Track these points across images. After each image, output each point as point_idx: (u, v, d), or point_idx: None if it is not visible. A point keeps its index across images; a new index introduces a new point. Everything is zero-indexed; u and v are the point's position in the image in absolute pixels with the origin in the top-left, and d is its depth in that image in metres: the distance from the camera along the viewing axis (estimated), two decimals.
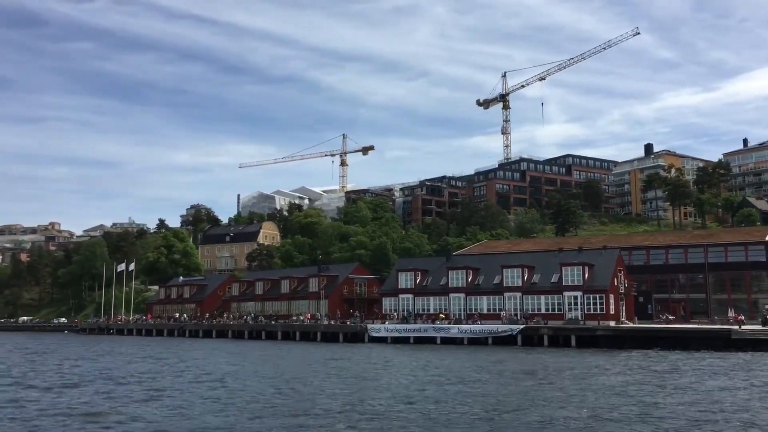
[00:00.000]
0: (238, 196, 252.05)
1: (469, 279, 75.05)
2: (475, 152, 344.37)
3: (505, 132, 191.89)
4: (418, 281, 78.50)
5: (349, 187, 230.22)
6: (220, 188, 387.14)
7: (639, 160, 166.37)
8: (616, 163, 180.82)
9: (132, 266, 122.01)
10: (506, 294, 72.13)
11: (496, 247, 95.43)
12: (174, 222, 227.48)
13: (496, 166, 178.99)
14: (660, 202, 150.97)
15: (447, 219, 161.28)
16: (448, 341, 68.43)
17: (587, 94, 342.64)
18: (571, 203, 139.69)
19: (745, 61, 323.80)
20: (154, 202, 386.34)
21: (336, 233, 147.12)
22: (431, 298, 77.13)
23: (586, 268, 68.88)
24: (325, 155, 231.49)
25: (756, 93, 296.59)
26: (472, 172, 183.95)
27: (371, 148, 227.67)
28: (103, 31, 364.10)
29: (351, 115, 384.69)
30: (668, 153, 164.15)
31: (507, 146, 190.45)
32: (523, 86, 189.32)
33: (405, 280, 78.88)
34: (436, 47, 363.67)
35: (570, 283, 68.49)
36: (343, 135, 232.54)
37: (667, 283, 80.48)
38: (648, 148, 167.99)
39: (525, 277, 71.69)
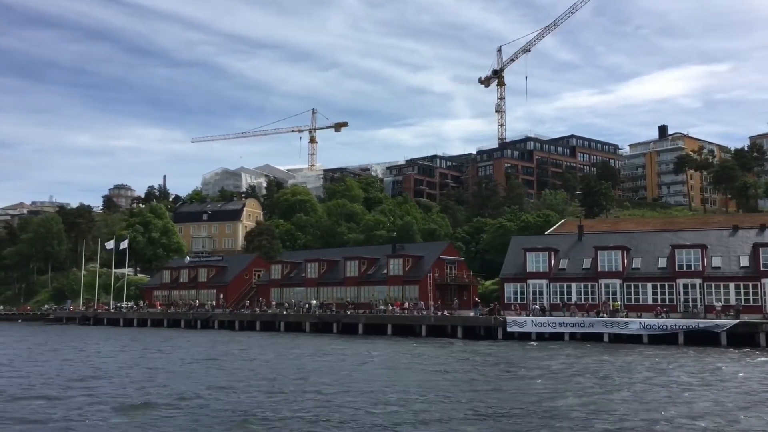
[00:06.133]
0: (164, 177, 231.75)
1: (625, 262, 61.25)
2: (384, 144, 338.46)
3: (499, 110, 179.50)
4: (552, 264, 64.03)
5: (318, 165, 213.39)
6: (132, 170, 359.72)
7: (654, 142, 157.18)
8: (617, 147, 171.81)
9: (124, 244, 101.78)
10: (679, 281, 58.77)
11: (592, 227, 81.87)
12: (96, 201, 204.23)
13: (497, 146, 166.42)
14: (680, 186, 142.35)
15: (453, 200, 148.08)
16: (619, 338, 54.80)
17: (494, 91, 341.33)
18: (602, 185, 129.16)
19: (639, 66, 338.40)
20: (57, 185, 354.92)
21: (342, 212, 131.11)
22: (573, 285, 62.73)
23: None
24: (293, 131, 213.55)
25: (647, 97, 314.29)
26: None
27: (344, 124, 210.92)
28: (0, 5, 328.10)
29: (261, 102, 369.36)
30: (684, 136, 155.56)
31: (501, 125, 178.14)
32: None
33: (535, 262, 64.13)
34: (349, 39, 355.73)
35: None
36: (313, 110, 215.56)
37: None
38: (662, 129, 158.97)
39: (705, 261, 58.53)
